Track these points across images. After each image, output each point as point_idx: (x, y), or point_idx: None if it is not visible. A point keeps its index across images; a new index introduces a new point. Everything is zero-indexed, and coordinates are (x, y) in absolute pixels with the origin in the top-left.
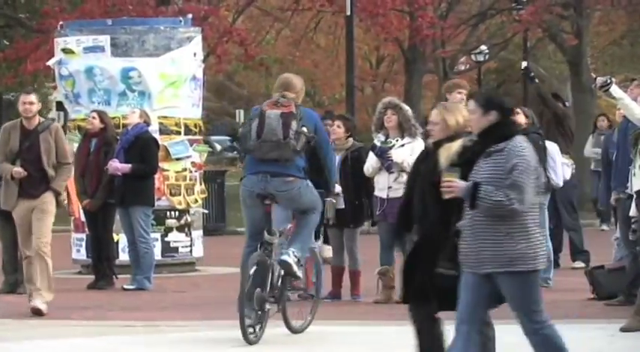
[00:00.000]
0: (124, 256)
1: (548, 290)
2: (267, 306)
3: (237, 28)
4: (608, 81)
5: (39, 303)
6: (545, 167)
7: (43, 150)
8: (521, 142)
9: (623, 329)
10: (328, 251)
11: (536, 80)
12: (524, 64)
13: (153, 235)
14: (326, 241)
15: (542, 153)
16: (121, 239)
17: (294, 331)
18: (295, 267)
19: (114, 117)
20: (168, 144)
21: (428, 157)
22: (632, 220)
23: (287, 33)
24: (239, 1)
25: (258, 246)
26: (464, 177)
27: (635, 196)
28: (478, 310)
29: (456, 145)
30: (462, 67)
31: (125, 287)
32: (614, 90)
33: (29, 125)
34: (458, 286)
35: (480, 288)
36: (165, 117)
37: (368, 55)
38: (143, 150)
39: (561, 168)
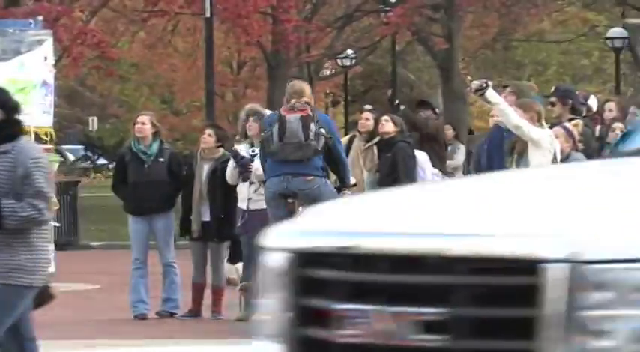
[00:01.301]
0: None
1: None
2: None
3: (92, 29)
4: (484, 85)
5: None
6: (415, 177)
7: None
8: (29, 143)
9: None
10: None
11: (402, 107)
12: (396, 101)
13: None
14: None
15: (411, 162)
16: None
17: None
18: None
19: None
20: None
21: None
22: None
23: (143, 36)
24: (92, 2)
25: None
26: None
27: None
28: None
29: None
30: (328, 72)
31: None
32: (490, 94)
33: None
34: None
35: None
36: None
37: (229, 59)
38: None
39: (431, 179)
